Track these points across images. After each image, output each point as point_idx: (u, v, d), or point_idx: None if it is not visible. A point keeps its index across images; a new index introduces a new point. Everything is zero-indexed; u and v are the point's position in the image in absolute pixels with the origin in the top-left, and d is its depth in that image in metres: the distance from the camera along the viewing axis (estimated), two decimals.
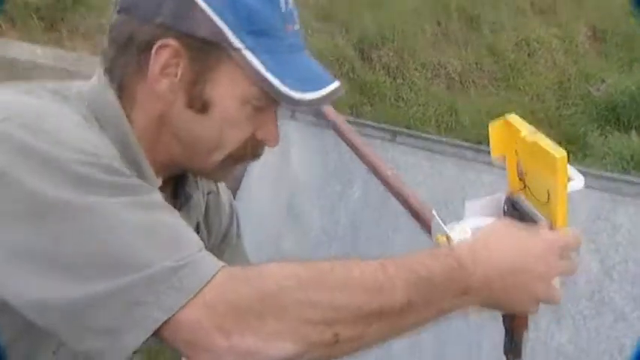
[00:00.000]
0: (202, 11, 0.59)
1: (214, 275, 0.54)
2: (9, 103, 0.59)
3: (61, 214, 0.53)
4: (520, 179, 0.76)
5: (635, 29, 3.67)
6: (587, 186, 1.10)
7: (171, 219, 0.57)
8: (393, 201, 0.84)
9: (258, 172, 1.52)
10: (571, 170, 0.73)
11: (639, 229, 1.10)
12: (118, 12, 0.63)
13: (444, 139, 1.36)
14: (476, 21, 3.54)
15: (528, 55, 3.49)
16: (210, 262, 0.55)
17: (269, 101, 0.61)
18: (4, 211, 0.53)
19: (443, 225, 0.68)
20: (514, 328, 0.73)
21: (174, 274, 0.53)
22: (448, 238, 0.66)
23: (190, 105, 0.62)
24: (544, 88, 3.19)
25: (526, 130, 0.77)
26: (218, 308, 0.53)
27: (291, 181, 1.43)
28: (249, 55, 0.59)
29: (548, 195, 0.73)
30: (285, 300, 0.55)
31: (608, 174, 1.28)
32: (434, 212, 0.70)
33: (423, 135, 1.45)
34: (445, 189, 1.21)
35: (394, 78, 3.11)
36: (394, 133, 1.36)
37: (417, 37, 3.27)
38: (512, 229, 0.64)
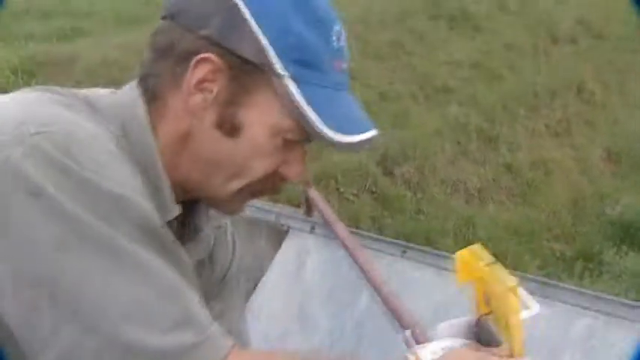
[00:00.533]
0: (251, 31, 0.57)
1: (227, 355, 0.54)
2: (50, 116, 0.56)
3: (93, 248, 0.52)
4: (487, 304, 0.89)
5: None
6: (583, 307, 1.22)
7: (190, 292, 0.57)
8: None
9: (275, 276, 1.68)
10: (527, 298, 0.85)
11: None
12: (164, 17, 0.61)
13: (451, 256, 1.49)
14: (494, 141, 3.76)
15: (544, 173, 3.66)
16: (222, 340, 0.55)
17: (302, 136, 0.58)
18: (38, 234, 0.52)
19: (414, 344, 0.79)
20: None
21: (195, 349, 0.53)
22: (417, 357, 0.78)
23: (220, 125, 0.59)
24: (560, 206, 3.32)
25: (485, 260, 0.90)
26: None
27: (305, 286, 1.57)
28: (291, 85, 0.56)
29: (506, 321, 0.85)
30: None
31: (605, 295, 1.38)
32: (406, 332, 0.81)
33: (433, 251, 1.59)
34: (447, 302, 1.34)
35: (415, 193, 3.29)
36: (405, 249, 1.51)
37: (437, 155, 3.49)
38: (471, 354, 0.62)
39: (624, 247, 2.96)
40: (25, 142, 0.53)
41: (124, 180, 0.55)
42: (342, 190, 3.10)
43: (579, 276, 2.83)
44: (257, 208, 1.94)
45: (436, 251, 1.52)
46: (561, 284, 1.38)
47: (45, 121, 0.55)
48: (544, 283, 1.36)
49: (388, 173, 3.34)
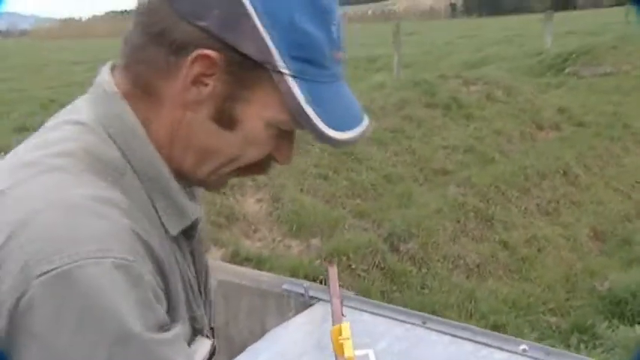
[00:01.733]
0: (254, 27, 0.54)
1: None
2: (35, 199, 0.52)
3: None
4: None
5: (631, 233, 4.15)
6: None
7: None
8: None
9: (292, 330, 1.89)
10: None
11: None
12: None
13: (466, 325, 1.75)
14: (490, 220, 4.08)
15: (538, 250, 3.95)
16: None
17: (297, 128, 0.58)
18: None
19: None
20: None
21: None
22: None
23: (216, 119, 0.57)
24: (553, 281, 3.58)
25: (344, 335, 1.14)
26: None
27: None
28: (292, 83, 0.55)
29: None
30: None
31: None
32: None
33: (451, 322, 1.83)
34: None
35: (419, 268, 3.56)
36: (424, 319, 1.76)
37: (439, 232, 3.79)
38: None
39: (615, 321, 3.18)
40: (30, 287, 0.51)
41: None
42: (353, 266, 3.36)
43: (575, 348, 3.02)
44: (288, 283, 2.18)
45: (453, 322, 1.77)
46: (568, 352, 1.63)
47: (50, 253, 0.51)
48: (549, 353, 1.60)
49: (395, 250, 3.62)
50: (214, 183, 0.64)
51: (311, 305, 2.03)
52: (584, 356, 1.55)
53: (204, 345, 0.69)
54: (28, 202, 0.54)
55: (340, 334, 1.05)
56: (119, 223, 0.54)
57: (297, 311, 2.08)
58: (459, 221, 4.00)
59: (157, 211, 0.60)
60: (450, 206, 4.06)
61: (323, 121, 0.56)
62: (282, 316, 2.08)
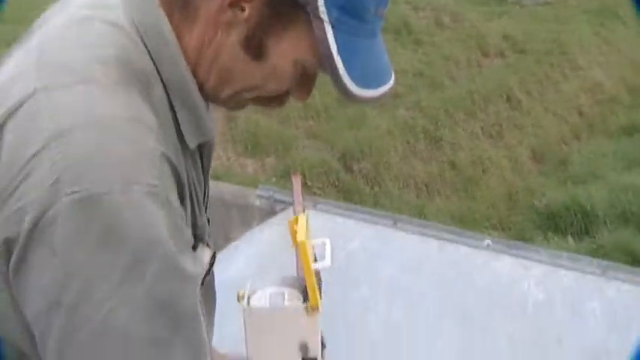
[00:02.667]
0: None
1: None
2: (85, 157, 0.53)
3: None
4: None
5: (566, 154, 4.42)
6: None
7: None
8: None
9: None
10: (326, 251, 1.12)
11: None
12: None
13: (434, 224, 1.84)
14: (438, 142, 4.21)
15: (482, 171, 4.14)
16: None
17: (322, 71, 0.59)
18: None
19: (248, 287, 1.07)
20: None
21: None
22: (244, 296, 1.07)
23: (245, 45, 0.58)
24: (496, 199, 3.79)
25: (301, 225, 1.16)
26: None
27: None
28: (329, 31, 0.55)
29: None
30: None
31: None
32: (249, 282, 1.09)
33: (420, 221, 1.91)
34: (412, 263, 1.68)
35: (372, 186, 3.66)
36: (395, 220, 1.85)
37: (390, 153, 3.89)
38: None
39: (550, 234, 3.44)
40: (59, 201, 0.52)
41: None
42: (309, 184, 3.41)
43: None
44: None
45: (422, 221, 1.86)
46: (527, 245, 1.75)
47: (80, 172, 0.52)
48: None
49: (348, 169, 3.69)
50: (233, 105, 0.65)
51: (276, 214, 2.07)
52: (537, 247, 1.68)
53: (206, 253, 0.72)
54: (63, 116, 0.54)
55: (296, 224, 1.07)
56: (149, 148, 0.55)
57: (262, 221, 2.12)
58: (409, 142, 4.11)
59: (178, 123, 0.61)
60: (401, 128, 4.15)
61: (349, 75, 0.56)
62: (247, 227, 2.11)
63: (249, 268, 1.65)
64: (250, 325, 1.07)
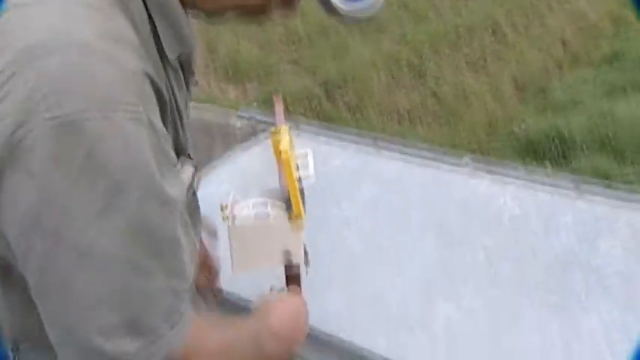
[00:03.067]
0: None
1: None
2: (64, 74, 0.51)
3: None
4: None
5: (547, 83, 4.43)
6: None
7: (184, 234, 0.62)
8: None
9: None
10: (308, 162, 1.14)
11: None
12: None
13: (415, 144, 1.85)
14: (422, 74, 4.19)
15: (464, 100, 4.15)
16: (175, 340, 0.62)
17: None
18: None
19: (231, 199, 1.06)
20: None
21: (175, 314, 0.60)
22: (227, 207, 1.05)
23: None
24: (477, 127, 3.82)
25: (284, 137, 1.17)
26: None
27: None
28: None
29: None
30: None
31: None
32: (232, 194, 1.07)
33: (401, 140, 1.92)
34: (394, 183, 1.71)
35: (354, 114, 3.66)
36: (375, 139, 1.86)
37: (373, 81, 3.86)
38: (289, 300, 0.92)
39: (528, 159, 3.50)
40: (35, 123, 0.51)
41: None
42: (291, 110, 3.39)
43: None
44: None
45: (402, 141, 1.88)
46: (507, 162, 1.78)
47: (59, 87, 0.51)
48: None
49: (330, 97, 3.67)
50: (218, 20, 0.65)
51: (257, 135, 2.07)
52: (515, 163, 1.72)
53: (188, 168, 0.71)
54: (38, 31, 0.52)
55: (279, 134, 1.08)
56: (131, 69, 0.54)
57: (244, 142, 2.11)
58: (392, 74, 4.08)
59: (157, 36, 0.60)
60: (385, 60, 4.10)
61: None
62: (229, 149, 2.11)
63: (230, 185, 1.67)
64: (234, 234, 1.09)
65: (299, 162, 1.14)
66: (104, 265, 0.55)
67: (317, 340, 1.16)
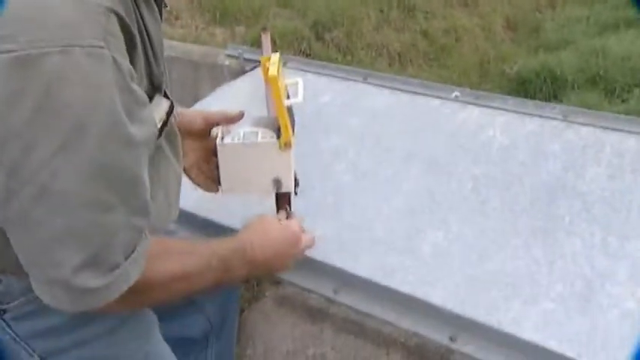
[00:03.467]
0: None
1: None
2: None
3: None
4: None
5: (539, 22, 4.37)
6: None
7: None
8: None
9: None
10: (298, 89, 1.13)
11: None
12: None
13: (405, 79, 1.84)
14: (412, 10, 4.10)
15: (455, 39, 4.09)
16: (133, 270, 0.66)
17: None
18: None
19: (220, 127, 1.07)
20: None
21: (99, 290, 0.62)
22: (219, 134, 1.06)
23: None
24: (469, 67, 3.78)
25: (273, 62, 1.16)
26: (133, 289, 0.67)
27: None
28: None
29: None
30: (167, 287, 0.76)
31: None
32: (218, 130, 1.08)
33: (391, 76, 1.89)
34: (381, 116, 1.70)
35: (344, 55, 3.60)
36: (365, 75, 1.84)
37: (362, 21, 3.78)
38: (274, 223, 0.96)
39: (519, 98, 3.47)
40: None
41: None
42: (279, 51, 3.32)
43: None
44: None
45: (393, 76, 1.86)
46: (496, 94, 1.77)
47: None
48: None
49: (320, 38, 3.60)
50: None
51: (245, 72, 2.04)
52: (505, 95, 1.71)
53: (163, 104, 0.71)
54: None
55: (268, 61, 1.06)
56: (94, 4, 0.52)
57: (232, 79, 2.08)
58: (382, 11, 3.99)
59: None
60: None
61: None
62: (217, 86, 2.08)
63: None
64: (224, 161, 1.09)
65: (289, 91, 1.13)
66: (63, 201, 0.55)
67: (305, 266, 1.18)
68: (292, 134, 1.11)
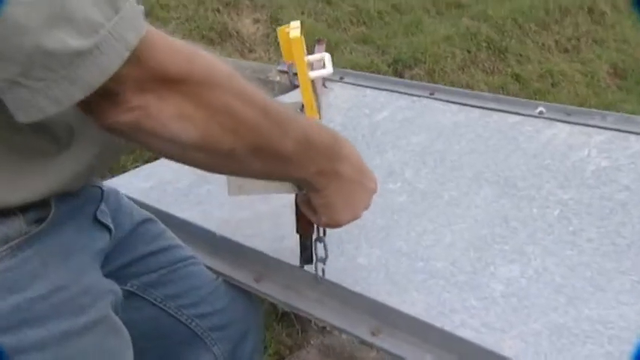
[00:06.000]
0: None
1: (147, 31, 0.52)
2: None
3: None
4: None
5: None
6: None
7: None
8: None
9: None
10: (326, 62, 0.92)
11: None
12: None
13: (478, 93, 1.58)
14: (503, 52, 3.81)
15: (552, 84, 3.73)
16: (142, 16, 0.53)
17: None
18: None
19: None
20: (302, 232, 0.88)
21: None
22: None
23: None
24: None
25: (292, 30, 0.99)
26: (148, 64, 0.52)
27: None
28: None
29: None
30: (212, 93, 0.55)
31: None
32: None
33: (461, 90, 1.64)
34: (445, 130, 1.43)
35: None
36: (432, 90, 1.59)
37: (447, 60, 3.55)
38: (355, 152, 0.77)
39: None
40: None
41: None
42: None
43: None
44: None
45: (464, 90, 1.60)
46: (593, 110, 1.47)
47: None
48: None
49: (399, 76, 3.41)
50: None
51: (295, 87, 1.87)
52: (605, 111, 1.39)
53: None
54: None
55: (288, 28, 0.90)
56: None
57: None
58: (469, 51, 3.74)
59: None
60: (461, 35, 3.77)
61: None
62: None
63: None
64: None
65: (314, 65, 0.95)
66: None
67: (343, 299, 0.94)
68: (319, 117, 0.90)
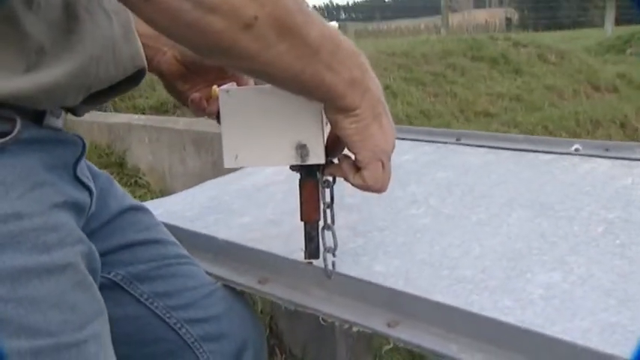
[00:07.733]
0: None
1: None
2: None
3: None
4: None
5: None
6: None
7: None
8: None
9: None
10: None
11: None
12: None
13: (507, 135, 1.51)
14: None
15: None
16: None
17: None
18: None
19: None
20: (307, 218, 0.80)
21: None
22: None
23: None
24: None
25: None
26: None
27: None
28: None
29: None
30: None
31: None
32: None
33: (489, 133, 1.59)
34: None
35: None
36: (458, 136, 1.54)
37: None
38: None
39: None
40: None
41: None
42: None
43: None
44: None
45: (492, 133, 1.54)
46: (633, 143, 1.38)
47: None
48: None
49: None
50: None
51: None
52: None
53: None
54: None
55: None
56: None
57: None
58: None
59: None
60: None
61: None
62: None
63: None
64: (228, 118, 0.83)
65: None
66: None
67: (356, 293, 0.82)
68: None
